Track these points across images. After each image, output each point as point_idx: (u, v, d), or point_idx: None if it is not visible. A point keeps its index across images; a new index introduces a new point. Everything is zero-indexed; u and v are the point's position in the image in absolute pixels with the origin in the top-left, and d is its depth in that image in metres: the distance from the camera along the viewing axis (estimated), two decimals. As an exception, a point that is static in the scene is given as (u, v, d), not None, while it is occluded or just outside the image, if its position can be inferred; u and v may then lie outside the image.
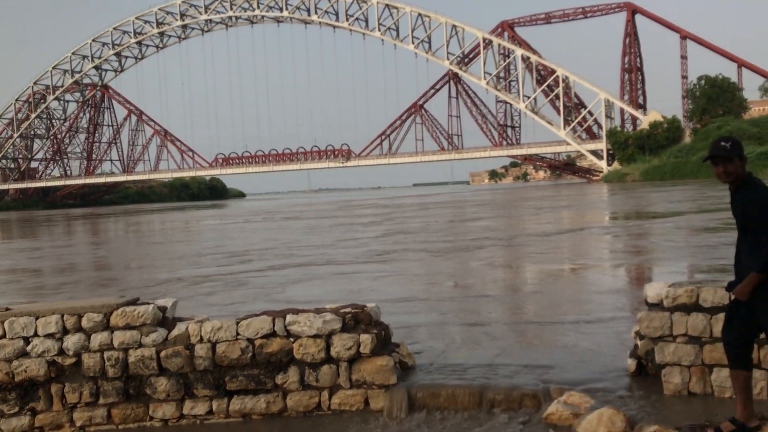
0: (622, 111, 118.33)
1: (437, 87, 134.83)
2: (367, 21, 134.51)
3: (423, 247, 18.73)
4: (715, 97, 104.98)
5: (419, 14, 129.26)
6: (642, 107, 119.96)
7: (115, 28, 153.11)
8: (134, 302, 6.01)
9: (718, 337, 5.09)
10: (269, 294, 11.61)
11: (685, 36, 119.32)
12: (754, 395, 4.85)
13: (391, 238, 22.73)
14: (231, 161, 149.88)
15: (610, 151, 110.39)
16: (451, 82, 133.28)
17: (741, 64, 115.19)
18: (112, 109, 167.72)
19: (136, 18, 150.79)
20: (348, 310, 5.97)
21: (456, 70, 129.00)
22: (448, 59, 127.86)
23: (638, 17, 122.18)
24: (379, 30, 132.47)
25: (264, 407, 5.74)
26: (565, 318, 8.52)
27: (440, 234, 23.73)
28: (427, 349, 7.03)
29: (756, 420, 4.30)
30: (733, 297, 4.32)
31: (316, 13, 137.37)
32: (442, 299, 10.42)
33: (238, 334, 5.82)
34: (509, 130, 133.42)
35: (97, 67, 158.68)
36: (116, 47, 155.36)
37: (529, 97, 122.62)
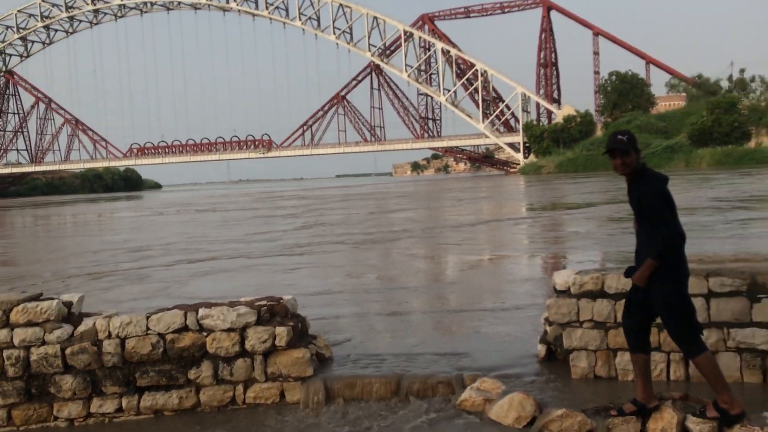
0: (538, 105, 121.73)
1: (359, 78, 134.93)
2: (287, 10, 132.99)
3: (342, 239, 18.73)
4: (625, 93, 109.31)
5: (340, 4, 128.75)
6: (557, 101, 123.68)
7: (19, 11, 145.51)
8: (37, 298, 5.73)
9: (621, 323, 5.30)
10: (169, 289, 11.30)
11: (597, 33, 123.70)
12: (653, 377, 5.10)
13: (309, 231, 22.61)
14: (146, 151, 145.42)
15: (527, 144, 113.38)
16: (373, 73, 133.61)
17: (649, 60, 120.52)
18: (17, 97, 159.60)
19: (43, 1, 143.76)
20: (263, 302, 5.89)
21: (378, 61, 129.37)
22: (369, 51, 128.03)
23: (553, 14, 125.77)
24: (300, 20, 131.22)
25: (176, 403, 5.61)
26: (482, 306, 8.70)
27: (361, 226, 23.78)
28: (345, 340, 7.03)
29: (655, 401, 4.51)
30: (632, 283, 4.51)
31: (234, 0, 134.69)
32: (360, 291, 10.45)
33: (148, 329, 5.65)
34: (431, 123, 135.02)
35: (0, 52, 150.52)
36: (21, 31, 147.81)
37: (449, 90, 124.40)
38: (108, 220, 38.80)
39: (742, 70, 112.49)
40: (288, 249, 16.88)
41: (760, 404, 4.59)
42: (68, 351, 5.54)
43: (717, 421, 4.25)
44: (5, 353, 5.49)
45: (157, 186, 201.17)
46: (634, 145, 4.34)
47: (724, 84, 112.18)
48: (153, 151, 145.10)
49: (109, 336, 5.62)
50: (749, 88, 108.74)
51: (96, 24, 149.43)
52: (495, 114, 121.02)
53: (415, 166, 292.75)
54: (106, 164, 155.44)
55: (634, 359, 4.53)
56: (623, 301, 5.26)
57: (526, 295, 9.37)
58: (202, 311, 5.70)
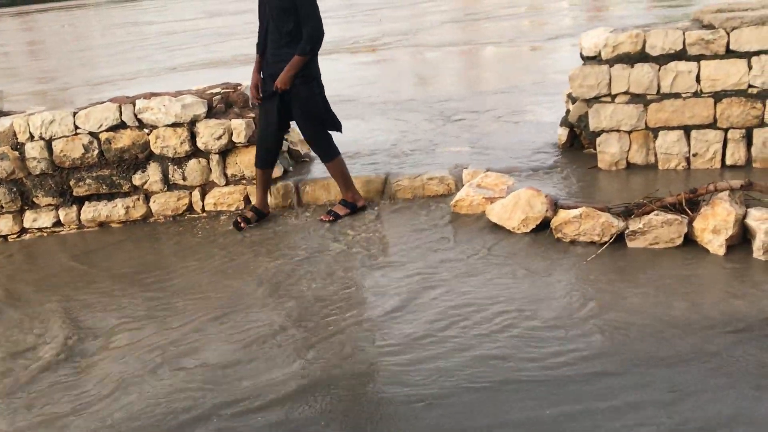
0: None
1: None
2: None
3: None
4: None
5: None
6: None
7: None
8: (-61, 95, 4.72)
9: (667, 94, 4.09)
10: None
11: None
12: (705, 161, 3.99)
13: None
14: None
15: None
16: None
17: None
18: None
19: None
20: (216, 90, 4.79)
21: None
22: None
23: None
24: None
25: (123, 213, 4.73)
26: (499, 90, 7.43)
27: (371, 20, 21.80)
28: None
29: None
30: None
31: None
32: (363, 84, 9.17)
33: (77, 127, 4.64)
34: None
35: None
36: None
37: None
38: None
39: None
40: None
41: None
42: (-16, 158, 4.62)
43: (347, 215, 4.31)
44: None
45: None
46: None
47: None
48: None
49: (32, 138, 4.65)
50: None
51: None
52: None
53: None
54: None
55: (259, 174, 4.38)
56: (671, 64, 4.01)
57: (555, 83, 7.91)
58: (139, 103, 4.63)
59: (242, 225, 4.38)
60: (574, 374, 2.59)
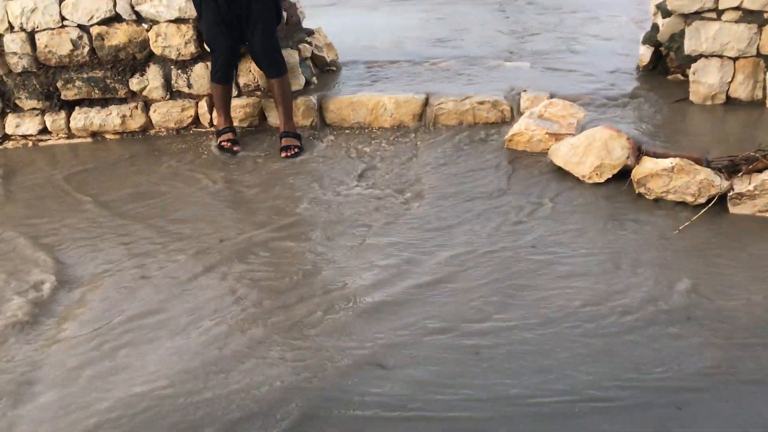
0: None
1: None
2: None
3: None
4: None
5: None
6: None
7: None
8: None
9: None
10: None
11: None
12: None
13: None
14: None
15: None
16: None
17: None
18: None
19: None
20: (229, -21, 3.97)
21: None
22: None
23: None
24: None
25: (118, 123, 4.07)
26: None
27: None
28: (365, 46, 4.97)
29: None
30: None
31: None
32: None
33: (63, 18, 3.92)
34: None
35: None
36: None
37: None
38: None
39: None
40: None
41: None
42: (-44, 49, 3.94)
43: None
44: None
45: None
46: None
47: None
48: None
49: (11, 29, 3.94)
50: None
51: None
52: None
53: None
54: None
55: (215, 90, 3.79)
56: (803, -26, 3.12)
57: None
58: (137, -9, 3.87)
59: (235, 149, 3.77)
60: (664, 393, 1.97)
